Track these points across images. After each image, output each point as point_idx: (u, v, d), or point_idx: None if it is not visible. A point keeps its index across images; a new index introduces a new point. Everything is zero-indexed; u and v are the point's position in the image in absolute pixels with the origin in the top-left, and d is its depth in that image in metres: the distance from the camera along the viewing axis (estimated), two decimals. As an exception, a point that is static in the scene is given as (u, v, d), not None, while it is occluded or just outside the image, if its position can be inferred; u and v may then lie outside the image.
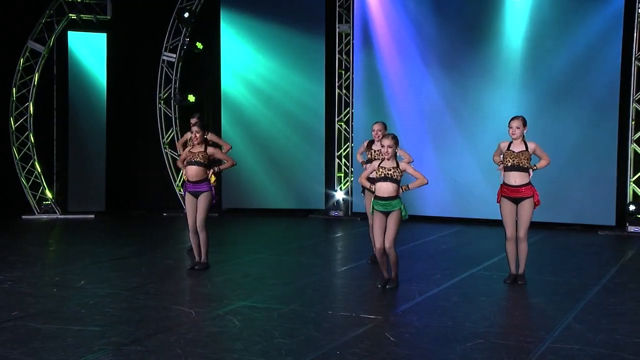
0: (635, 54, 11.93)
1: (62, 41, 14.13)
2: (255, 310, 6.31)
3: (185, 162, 8.19)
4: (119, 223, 13.36)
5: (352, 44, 14.07)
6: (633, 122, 12.00)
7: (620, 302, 6.74)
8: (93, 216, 13.85)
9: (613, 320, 5.99)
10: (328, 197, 14.25)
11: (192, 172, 8.08)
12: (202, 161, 8.08)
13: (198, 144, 8.15)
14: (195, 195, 8.12)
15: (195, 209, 8.16)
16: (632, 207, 11.82)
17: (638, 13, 11.87)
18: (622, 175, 12.07)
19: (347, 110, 14.24)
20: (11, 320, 5.93)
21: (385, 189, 7.01)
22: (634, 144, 12.02)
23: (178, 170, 14.64)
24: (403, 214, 6.98)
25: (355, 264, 8.81)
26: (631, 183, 12.02)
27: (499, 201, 7.50)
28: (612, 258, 9.44)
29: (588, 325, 5.85)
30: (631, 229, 11.75)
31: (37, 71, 13.89)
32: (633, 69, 11.94)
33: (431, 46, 13.29)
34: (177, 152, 14.57)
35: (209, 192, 8.15)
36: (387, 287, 7.14)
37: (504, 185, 7.43)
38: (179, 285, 7.61)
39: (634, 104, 11.98)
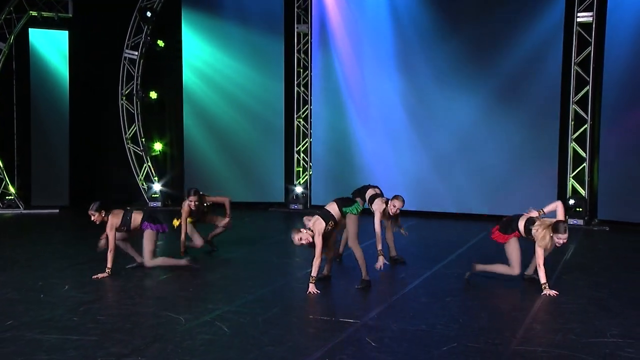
0: (574, 60, 12.50)
1: (23, 38, 13.94)
2: (241, 316, 6.54)
3: None
4: (85, 219, 13.30)
5: (311, 43, 14.29)
6: (572, 123, 12.61)
7: (572, 300, 7.21)
8: (57, 211, 13.79)
9: (567, 320, 6.44)
10: (287, 190, 14.51)
11: None
12: None
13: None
14: None
15: None
16: (571, 201, 12.45)
17: (576, 22, 12.43)
18: (563, 171, 12.69)
19: (305, 107, 14.49)
20: (8, 331, 6.03)
21: None
22: (574, 143, 12.64)
23: (141, 165, 14.68)
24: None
25: (323, 263, 9.08)
26: (571, 179, 12.65)
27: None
28: (557, 252, 9.93)
29: (546, 325, 6.29)
30: (571, 221, 12.36)
31: (-2, 68, 13.72)
32: (572, 73, 12.53)
33: (387, 47, 13.63)
34: (139, 148, 14.62)
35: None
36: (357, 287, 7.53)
37: None
38: (161, 289, 7.74)
39: (574, 106, 12.58)
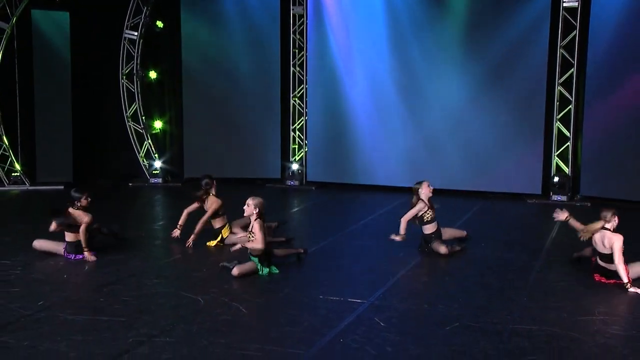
0: (560, 43, 12.78)
1: (26, 19, 13.95)
2: (255, 297, 6.85)
3: None
4: (96, 193, 13.51)
5: (306, 25, 14.42)
6: (558, 103, 12.94)
7: (561, 278, 7.60)
8: (62, 187, 13.95)
9: (559, 298, 6.82)
10: (284, 167, 14.76)
11: None
12: None
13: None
14: None
15: None
16: (556, 179, 12.84)
17: (562, 7, 12.68)
18: (548, 150, 13.05)
19: (301, 87, 14.69)
20: (42, 311, 6.29)
21: None
22: (558, 123, 12.98)
23: (141, 142, 14.84)
24: None
25: (325, 241, 9.40)
26: (555, 157, 13.02)
27: None
28: (544, 231, 10.32)
29: (540, 304, 6.66)
30: (554, 197, 12.79)
31: (1, 48, 13.71)
32: (558, 56, 12.80)
33: (379, 29, 13.79)
34: (140, 125, 14.77)
35: None
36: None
37: None
38: (175, 270, 7.96)
39: (559, 87, 12.89)
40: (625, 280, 7.07)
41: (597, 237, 7.40)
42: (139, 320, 6.10)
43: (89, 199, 8.27)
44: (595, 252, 7.50)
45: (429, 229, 8.65)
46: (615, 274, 7.20)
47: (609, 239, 7.24)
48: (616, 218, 7.40)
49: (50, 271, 7.74)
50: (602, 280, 7.35)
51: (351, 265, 8.11)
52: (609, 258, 7.22)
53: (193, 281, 7.42)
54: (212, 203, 9.05)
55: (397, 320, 6.21)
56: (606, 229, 7.34)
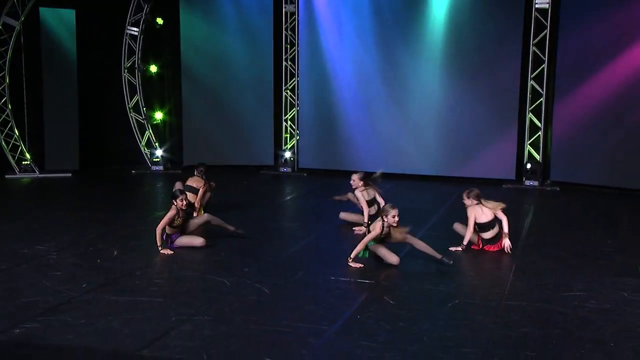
0: (532, 41, 13.35)
1: (34, 16, 14.13)
2: (274, 279, 7.32)
3: None
4: (98, 181, 13.90)
5: (297, 22, 14.80)
6: (530, 96, 13.54)
7: (542, 258, 8.22)
8: (70, 175, 14.23)
9: (541, 277, 7.43)
10: (277, 155, 15.21)
11: None
12: None
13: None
14: None
15: None
16: (528, 165, 13.49)
17: (535, 8, 13.25)
18: (521, 139, 13.67)
19: (292, 80, 15.10)
20: (88, 293, 6.72)
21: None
22: (530, 114, 13.60)
23: (143, 132, 15.15)
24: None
25: (326, 226, 9.91)
26: (528, 145, 13.65)
27: None
28: (522, 214, 10.95)
29: (526, 282, 7.26)
30: (527, 182, 13.45)
31: (12, 44, 13.88)
32: (530, 53, 13.39)
33: (367, 26, 14.20)
34: (141, 116, 15.07)
35: None
36: None
37: None
38: (197, 255, 8.28)
39: (531, 82, 13.48)
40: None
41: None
42: (176, 301, 6.56)
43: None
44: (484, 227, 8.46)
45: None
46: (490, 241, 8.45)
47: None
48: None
49: (84, 256, 8.14)
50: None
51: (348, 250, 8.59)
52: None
53: (215, 266, 7.85)
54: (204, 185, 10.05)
55: (405, 298, 6.77)
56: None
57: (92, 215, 10.43)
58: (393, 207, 7.70)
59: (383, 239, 7.88)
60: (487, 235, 8.48)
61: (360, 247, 7.78)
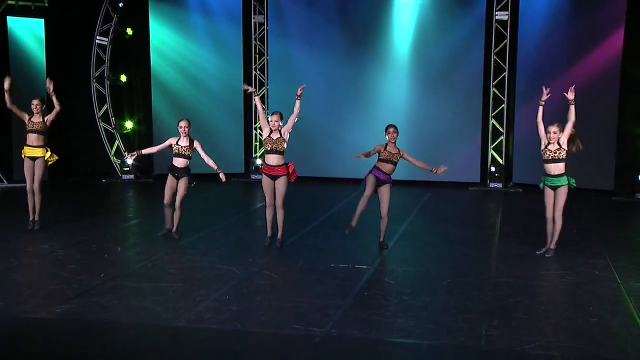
0: (493, 50, 14.67)
1: (2, 25, 14.61)
2: (279, 267, 8.19)
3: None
4: (69, 190, 14.40)
5: (266, 32, 15.74)
6: (492, 103, 14.83)
7: (518, 247, 9.31)
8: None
9: (521, 260, 8.52)
10: (247, 162, 16.04)
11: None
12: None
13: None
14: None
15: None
16: (492, 168, 14.73)
17: (495, 19, 14.59)
18: (485, 143, 14.93)
19: (262, 89, 15.99)
20: (108, 281, 7.40)
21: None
22: (493, 120, 14.88)
23: (112, 141, 15.73)
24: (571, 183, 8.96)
25: (315, 223, 10.81)
26: (491, 150, 14.91)
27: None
28: (492, 211, 12.14)
29: (508, 264, 8.34)
30: (491, 185, 14.68)
31: (-21, 53, 14.35)
32: (492, 61, 14.70)
33: (335, 37, 15.27)
34: (110, 125, 15.66)
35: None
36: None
37: None
38: (197, 248, 9.05)
39: (493, 89, 14.78)
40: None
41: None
42: (195, 286, 7.33)
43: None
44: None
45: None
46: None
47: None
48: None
49: (90, 252, 8.78)
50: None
51: (341, 244, 9.44)
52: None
53: (219, 256, 8.62)
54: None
55: (402, 279, 7.74)
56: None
57: (75, 221, 10.95)
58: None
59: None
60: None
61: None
